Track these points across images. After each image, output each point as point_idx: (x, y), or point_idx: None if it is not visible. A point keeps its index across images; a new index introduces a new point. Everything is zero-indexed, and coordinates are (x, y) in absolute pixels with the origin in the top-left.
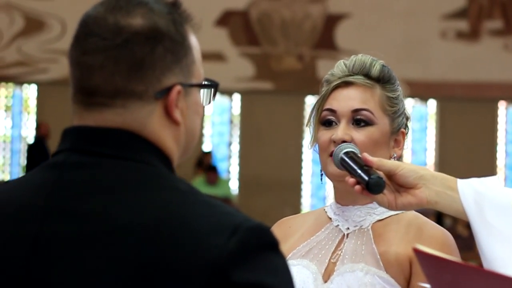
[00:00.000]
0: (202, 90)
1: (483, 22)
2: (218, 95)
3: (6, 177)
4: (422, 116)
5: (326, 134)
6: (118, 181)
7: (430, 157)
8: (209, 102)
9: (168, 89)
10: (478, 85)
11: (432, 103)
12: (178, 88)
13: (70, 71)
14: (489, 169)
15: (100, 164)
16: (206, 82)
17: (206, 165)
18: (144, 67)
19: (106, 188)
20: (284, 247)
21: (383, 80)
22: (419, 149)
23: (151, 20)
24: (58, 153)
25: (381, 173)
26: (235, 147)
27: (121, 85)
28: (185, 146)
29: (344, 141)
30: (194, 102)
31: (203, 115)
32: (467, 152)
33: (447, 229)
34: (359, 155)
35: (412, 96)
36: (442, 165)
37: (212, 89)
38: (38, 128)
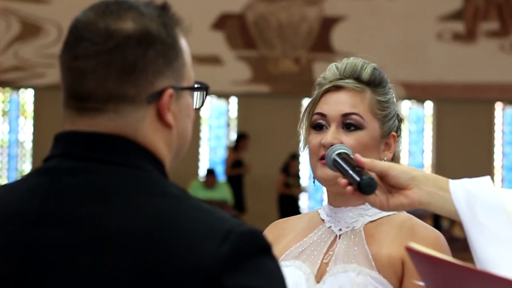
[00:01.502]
0: (195, 93)
1: (479, 23)
2: (215, 98)
3: (4, 181)
4: (419, 117)
5: (316, 138)
6: (111, 187)
7: (427, 158)
8: (201, 105)
9: (160, 93)
10: (474, 87)
11: (428, 105)
12: (170, 91)
13: (62, 76)
14: (486, 171)
15: (93, 170)
16: (197, 85)
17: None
18: (137, 71)
19: (99, 194)
20: (277, 249)
21: (374, 83)
22: (416, 150)
23: (142, 23)
24: (50, 159)
25: (373, 174)
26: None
27: (114, 89)
28: (177, 149)
29: (333, 146)
30: (185, 105)
31: (194, 118)
32: (464, 154)
33: (444, 231)
34: (352, 156)
35: (409, 98)
36: (439, 166)
37: (204, 92)
38: None
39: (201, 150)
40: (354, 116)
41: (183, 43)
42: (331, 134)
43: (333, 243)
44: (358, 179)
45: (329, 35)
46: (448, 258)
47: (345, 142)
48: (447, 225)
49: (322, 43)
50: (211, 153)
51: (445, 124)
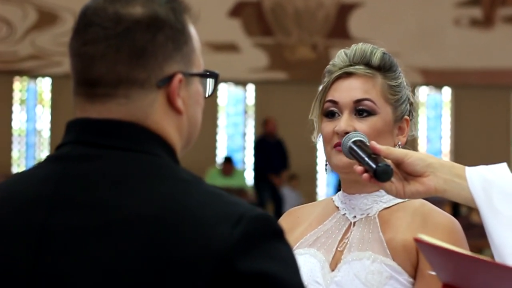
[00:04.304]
0: (208, 80)
1: (496, 9)
2: (232, 86)
3: (22, 170)
4: (437, 104)
5: (329, 126)
6: (123, 172)
7: (445, 145)
8: (211, 93)
9: (170, 78)
10: (492, 72)
11: (446, 91)
12: (179, 76)
13: (71, 63)
14: (504, 156)
15: (104, 156)
16: (207, 73)
17: None
18: (146, 55)
19: (111, 180)
20: (292, 237)
21: (384, 68)
22: (434, 137)
23: (151, 8)
24: (62, 146)
25: (389, 161)
26: (250, 138)
27: (124, 74)
28: (188, 136)
29: (347, 133)
30: (195, 91)
31: (211, 105)
32: (482, 139)
33: (462, 217)
34: (367, 144)
35: (427, 84)
36: (457, 152)
37: (214, 80)
38: (265, 124)
39: (218, 137)
40: (366, 102)
41: (192, 29)
42: (344, 121)
43: (347, 231)
44: (374, 166)
45: (346, 21)
46: (457, 249)
47: (358, 128)
48: (466, 211)
49: (339, 29)
50: (229, 140)
51: (463, 110)
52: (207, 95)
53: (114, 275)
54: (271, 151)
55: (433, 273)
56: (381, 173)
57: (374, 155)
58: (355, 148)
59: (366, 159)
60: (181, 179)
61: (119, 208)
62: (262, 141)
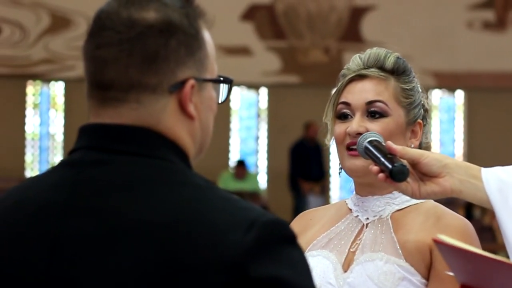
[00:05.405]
0: (221, 86)
1: (509, 11)
2: (245, 89)
3: (35, 174)
4: (450, 107)
5: (341, 127)
6: (135, 178)
7: (459, 148)
8: (225, 99)
9: (182, 83)
10: (505, 75)
11: (459, 94)
12: (192, 82)
13: (85, 66)
14: None
15: (117, 162)
16: (221, 78)
17: None
18: (158, 60)
19: (124, 186)
20: (304, 239)
21: (397, 72)
22: (447, 140)
23: (164, 13)
24: (75, 151)
25: (404, 162)
26: (263, 141)
27: (136, 78)
28: (200, 142)
29: (359, 134)
30: (208, 97)
31: (224, 109)
32: (495, 142)
33: (475, 220)
34: (383, 144)
35: (440, 87)
36: (471, 155)
37: (227, 85)
38: (307, 128)
39: (231, 141)
40: (378, 104)
41: (207, 35)
42: (356, 122)
43: (360, 232)
44: (390, 166)
45: (358, 24)
46: (476, 250)
47: (370, 129)
48: (479, 214)
49: (351, 32)
50: (242, 144)
51: (476, 113)
52: (220, 101)
53: (127, 282)
54: (309, 156)
55: (451, 273)
56: (397, 173)
57: (390, 155)
58: (370, 148)
59: (382, 159)
60: (194, 184)
61: (132, 214)
62: (299, 146)
